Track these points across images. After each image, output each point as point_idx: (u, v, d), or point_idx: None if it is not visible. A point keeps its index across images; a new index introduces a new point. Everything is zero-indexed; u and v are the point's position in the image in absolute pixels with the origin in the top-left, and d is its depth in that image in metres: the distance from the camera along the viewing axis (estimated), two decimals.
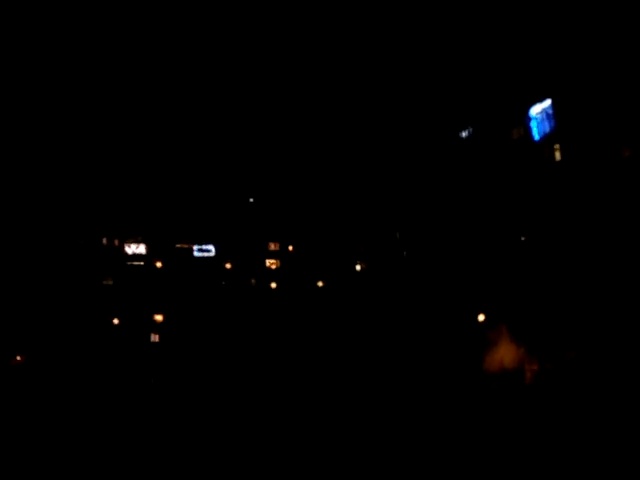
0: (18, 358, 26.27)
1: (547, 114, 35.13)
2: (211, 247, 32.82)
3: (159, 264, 33.01)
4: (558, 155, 35.02)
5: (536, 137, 35.12)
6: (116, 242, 32.36)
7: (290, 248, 35.57)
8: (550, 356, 34.57)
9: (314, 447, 19.92)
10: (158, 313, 31.90)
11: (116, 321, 30.81)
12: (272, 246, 35.35)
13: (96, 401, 26.21)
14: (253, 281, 34.97)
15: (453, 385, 33.86)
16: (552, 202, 35.37)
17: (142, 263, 32.51)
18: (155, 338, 31.31)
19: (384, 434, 22.94)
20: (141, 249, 32.35)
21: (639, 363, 30.72)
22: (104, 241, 31.79)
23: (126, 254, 32.68)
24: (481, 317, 35.72)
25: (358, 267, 34.60)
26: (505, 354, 35.84)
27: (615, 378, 32.27)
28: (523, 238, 35.31)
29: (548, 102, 34.10)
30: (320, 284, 35.61)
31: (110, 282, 31.32)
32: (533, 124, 35.17)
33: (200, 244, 33.49)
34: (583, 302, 34.38)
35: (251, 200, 34.32)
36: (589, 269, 35.30)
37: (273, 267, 35.02)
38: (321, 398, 28.66)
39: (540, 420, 30.48)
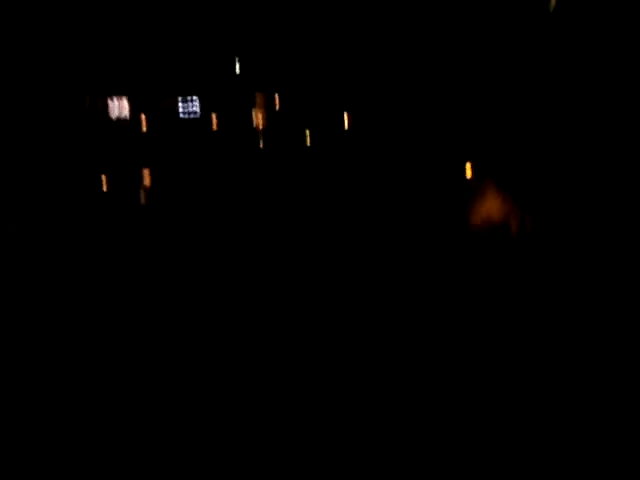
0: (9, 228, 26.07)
1: None
2: (196, 104, 32.34)
3: (144, 124, 32.47)
4: (553, 3, 33.64)
5: None
6: (99, 102, 31.39)
7: (277, 102, 35.08)
8: (537, 207, 34.96)
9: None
10: (146, 175, 31.65)
11: (103, 179, 30.40)
12: (259, 99, 34.81)
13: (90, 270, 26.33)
14: (240, 139, 34.74)
15: (440, 238, 34.56)
16: (547, 51, 34.52)
17: (126, 124, 31.80)
18: (143, 200, 31.19)
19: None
20: (125, 110, 31.56)
21: (625, 221, 31.19)
22: (86, 100, 30.87)
23: (109, 115, 31.92)
24: (468, 168, 35.71)
25: (346, 118, 34.32)
26: (491, 206, 36.23)
27: (600, 233, 32.94)
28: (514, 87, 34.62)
29: None
30: (308, 142, 35.46)
31: (93, 144, 30.64)
32: None
33: (185, 99, 32.96)
34: (578, 153, 34.33)
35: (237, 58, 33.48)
36: (586, 121, 35.06)
37: (260, 125, 34.67)
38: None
39: (526, 275, 31.43)
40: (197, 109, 29.97)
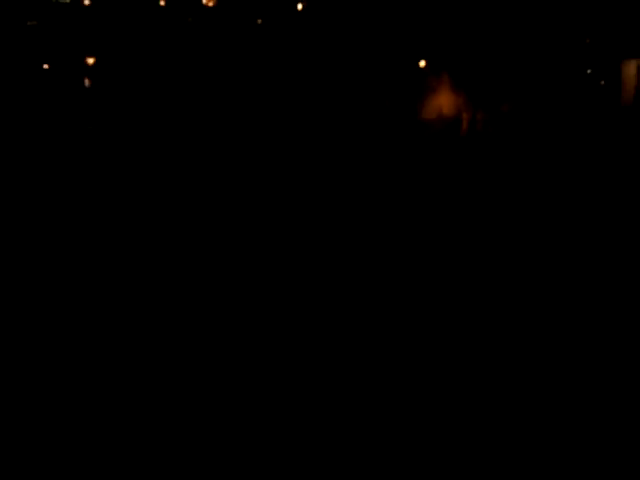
0: None
1: None
2: None
3: (87, 1, 30.79)
4: None
5: None
6: None
7: None
8: (487, 106, 34.91)
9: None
10: (90, 55, 30.39)
11: (46, 66, 29.23)
12: None
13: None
14: (190, 20, 33.20)
15: (393, 131, 34.28)
16: None
17: (68, 1, 30.16)
18: (87, 83, 30.16)
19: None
20: None
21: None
22: None
23: None
24: (422, 63, 35.15)
25: (300, 6, 32.91)
26: (444, 101, 36.00)
27: (552, 132, 33.18)
28: None
29: None
30: (259, 21, 34.04)
31: (34, 23, 29.15)
32: None
33: None
34: (528, 54, 34.02)
35: None
36: (538, 18, 34.43)
37: (210, 4, 33.08)
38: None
39: (473, 166, 31.65)
40: None
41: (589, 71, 33.21)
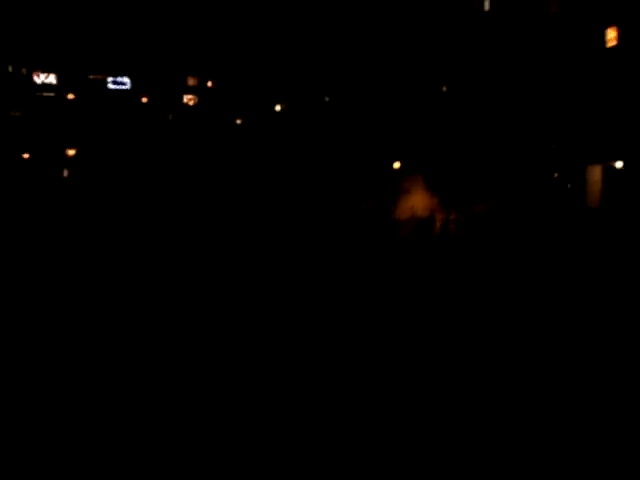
0: None
1: None
2: (126, 80, 31.43)
3: (71, 95, 31.60)
4: (487, 5, 34.23)
5: None
6: (24, 71, 30.49)
7: (209, 84, 34.51)
8: (460, 207, 35.71)
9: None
10: (70, 147, 30.95)
11: (26, 155, 29.65)
12: (191, 81, 34.18)
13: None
14: (170, 117, 34.10)
15: (365, 230, 34.79)
16: (478, 54, 35.04)
17: (53, 94, 30.95)
18: (66, 173, 30.54)
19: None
20: (51, 79, 30.68)
21: (545, 224, 32.32)
22: (10, 69, 29.87)
23: (35, 84, 31.02)
24: (397, 165, 36.16)
25: (278, 107, 34.02)
26: (417, 202, 36.78)
27: (523, 233, 33.94)
28: (445, 89, 35.20)
29: None
30: (239, 122, 35.05)
31: (18, 114, 29.83)
32: None
33: (115, 76, 32.06)
34: (499, 158, 35.21)
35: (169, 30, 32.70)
36: (508, 125, 35.84)
37: (191, 103, 34.09)
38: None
39: (447, 264, 31.98)
40: (127, 86, 29.14)
41: (556, 175, 34.37)
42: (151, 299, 19.99)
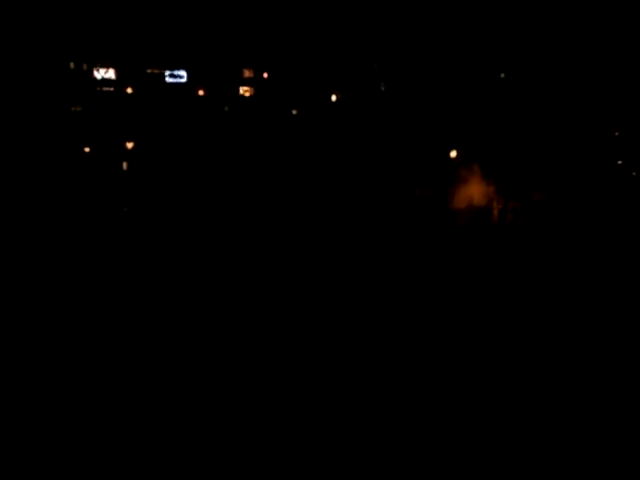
0: None
1: None
2: (183, 73, 31.77)
3: (129, 90, 32.09)
4: None
5: None
6: (85, 67, 31.15)
7: (265, 75, 34.60)
8: (518, 196, 35.16)
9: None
10: (129, 140, 31.48)
11: (87, 149, 30.35)
12: (246, 73, 34.32)
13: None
14: (226, 109, 34.32)
15: (424, 219, 34.57)
16: (537, 39, 34.32)
17: (112, 89, 31.54)
18: (125, 166, 31.13)
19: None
20: (110, 74, 31.25)
21: (602, 213, 31.59)
22: (71, 66, 30.54)
23: (95, 79, 31.65)
24: (453, 153, 35.77)
25: (334, 97, 33.93)
26: (475, 191, 36.39)
27: (583, 222, 33.25)
28: (503, 75, 34.59)
29: None
30: (294, 112, 35.08)
31: (79, 109, 30.52)
32: None
33: (172, 70, 32.41)
34: (558, 146, 34.47)
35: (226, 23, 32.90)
36: (568, 112, 35.06)
37: (247, 95, 34.25)
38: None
39: (505, 256, 31.60)
40: (184, 79, 29.46)
41: (620, 162, 33.43)
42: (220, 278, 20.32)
